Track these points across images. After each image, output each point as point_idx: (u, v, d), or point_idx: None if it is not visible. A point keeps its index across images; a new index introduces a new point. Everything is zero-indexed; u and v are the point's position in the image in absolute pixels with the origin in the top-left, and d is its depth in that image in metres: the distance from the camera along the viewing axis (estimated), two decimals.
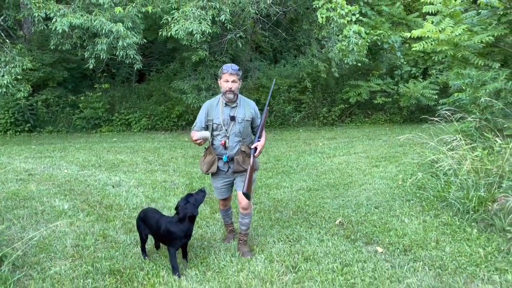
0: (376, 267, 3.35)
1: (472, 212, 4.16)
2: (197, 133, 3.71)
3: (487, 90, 6.45)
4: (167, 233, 3.56)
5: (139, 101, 12.62)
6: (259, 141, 3.85)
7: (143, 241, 3.91)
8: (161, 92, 12.73)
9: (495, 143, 5.03)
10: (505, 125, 5.80)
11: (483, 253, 3.39)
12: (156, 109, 12.18)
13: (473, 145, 5.49)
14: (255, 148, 3.80)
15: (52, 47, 9.18)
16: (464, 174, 4.72)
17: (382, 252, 3.66)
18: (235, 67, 3.84)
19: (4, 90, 8.57)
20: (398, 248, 3.70)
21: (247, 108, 3.92)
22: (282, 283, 3.27)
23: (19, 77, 8.73)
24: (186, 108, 11.98)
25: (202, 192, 3.76)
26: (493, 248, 3.46)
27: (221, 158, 3.86)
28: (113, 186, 6.55)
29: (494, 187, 4.19)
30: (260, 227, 4.62)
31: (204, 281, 3.38)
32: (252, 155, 3.80)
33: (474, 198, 4.19)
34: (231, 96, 3.80)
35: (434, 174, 5.62)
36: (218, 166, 3.89)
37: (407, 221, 4.39)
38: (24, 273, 3.59)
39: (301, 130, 12.52)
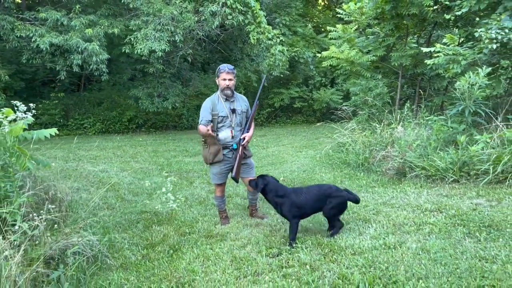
0: None
1: (361, 166, 6.88)
2: (204, 127, 4.23)
3: (373, 94, 9.41)
4: None
5: (91, 108, 14.10)
6: (248, 132, 4.43)
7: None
8: (111, 99, 14.34)
9: (376, 127, 7.87)
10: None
11: (365, 182, 6.06)
12: (108, 115, 13.78)
13: (364, 130, 8.33)
14: (243, 138, 4.38)
15: (24, 61, 10.54)
16: (357, 146, 7.47)
17: None
18: (231, 66, 4.36)
19: None
20: None
21: (242, 102, 4.53)
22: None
23: None
24: (136, 113, 13.76)
25: None
26: (370, 180, 6.15)
27: (227, 147, 4.41)
28: (101, 172, 8.33)
29: (372, 150, 6.95)
30: (231, 186, 6.87)
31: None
32: (240, 144, 4.37)
33: (362, 158, 6.92)
34: (228, 92, 4.34)
35: (340, 150, 8.34)
36: (223, 154, 4.40)
37: (323, 175, 6.97)
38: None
39: None
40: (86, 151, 10.53)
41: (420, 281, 2.90)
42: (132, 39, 10.54)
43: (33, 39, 9.64)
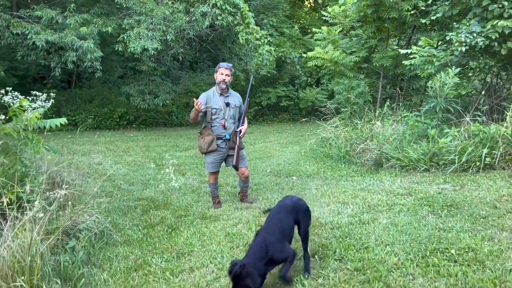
0: (293, 183, 6.32)
1: (343, 158, 7.42)
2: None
3: (355, 93, 9.96)
4: None
5: (83, 104, 14.40)
6: (243, 125, 4.91)
7: None
8: (102, 96, 14.66)
9: (357, 124, 8.42)
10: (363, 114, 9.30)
11: (346, 172, 6.60)
12: (100, 111, 14.10)
13: (346, 126, 8.88)
14: (240, 131, 4.85)
15: (18, 58, 10.83)
16: (339, 141, 8.01)
17: (296, 178, 6.65)
18: (229, 64, 4.90)
19: None
20: (304, 176, 6.75)
21: (236, 98, 5.00)
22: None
23: None
24: (127, 109, 14.11)
25: None
26: (350, 170, 6.70)
27: (221, 138, 4.83)
28: (96, 164, 8.70)
29: (353, 144, 7.49)
30: (221, 177, 7.33)
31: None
32: (238, 136, 4.81)
33: (343, 151, 7.46)
34: (223, 86, 4.76)
35: (323, 145, 8.88)
36: (217, 144, 4.83)
37: (308, 167, 7.49)
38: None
39: None
40: (80, 145, 10.87)
41: (387, 246, 3.42)
42: (125, 37, 10.91)
43: (28, 36, 9.95)
